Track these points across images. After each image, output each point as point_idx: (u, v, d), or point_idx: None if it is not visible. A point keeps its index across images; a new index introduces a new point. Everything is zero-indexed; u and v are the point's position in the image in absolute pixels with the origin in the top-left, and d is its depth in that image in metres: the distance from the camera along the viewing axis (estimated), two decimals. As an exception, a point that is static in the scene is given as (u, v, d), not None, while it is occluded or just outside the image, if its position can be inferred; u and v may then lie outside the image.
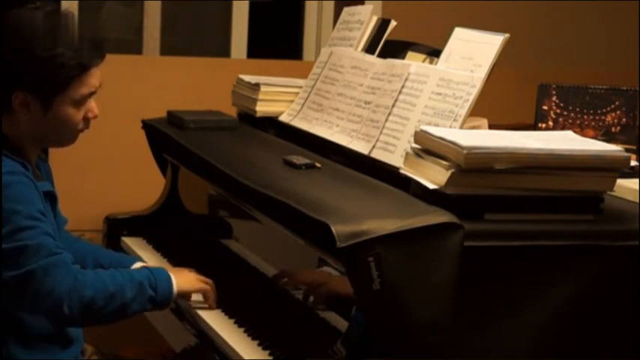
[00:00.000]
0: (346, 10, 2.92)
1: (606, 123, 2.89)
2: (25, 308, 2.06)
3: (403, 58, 2.53)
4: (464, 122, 2.20)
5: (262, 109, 2.88)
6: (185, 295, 2.29)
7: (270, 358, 2.10)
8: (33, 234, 2.05)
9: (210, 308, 2.32)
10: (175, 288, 2.21)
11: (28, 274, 2.03)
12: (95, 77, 2.18)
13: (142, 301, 2.15)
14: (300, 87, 2.85)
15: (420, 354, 1.86)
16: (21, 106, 2.13)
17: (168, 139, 2.80)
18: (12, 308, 2.11)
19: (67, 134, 2.22)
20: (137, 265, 2.46)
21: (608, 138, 2.81)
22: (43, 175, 2.27)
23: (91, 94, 2.19)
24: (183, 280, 2.26)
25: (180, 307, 2.37)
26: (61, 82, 2.12)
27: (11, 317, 2.09)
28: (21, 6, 2.17)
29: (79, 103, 2.17)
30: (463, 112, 2.20)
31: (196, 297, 2.33)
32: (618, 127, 2.88)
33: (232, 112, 3.06)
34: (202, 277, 2.35)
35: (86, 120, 2.21)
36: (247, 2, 4.05)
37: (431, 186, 1.96)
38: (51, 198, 2.24)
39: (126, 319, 2.17)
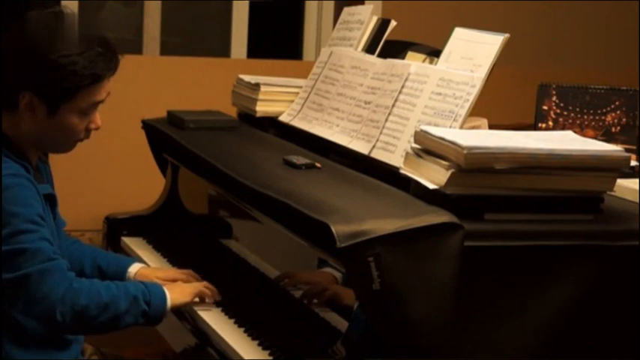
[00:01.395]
0: (346, 10, 2.92)
1: (606, 123, 2.88)
2: (18, 311, 2.06)
3: (403, 58, 2.53)
4: (464, 122, 2.20)
5: (262, 109, 2.88)
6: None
7: (270, 358, 2.10)
8: (31, 238, 2.05)
9: (211, 304, 2.33)
10: (169, 303, 2.22)
11: (24, 277, 2.03)
12: (104, 89, 2.18)
13: (135, 315, 2.15)
14: (300, 87, 2.85)
15: (420, 354, 1.86)
16: (26, 108, 2.13)
17: (168, 139, 2.80)
18: (9, 309, 2.11)
19: (66, 142, 2.21)
20: (135, 266, 2.47)
21: (608, 138, 2.81)
22: (43, 177, 2.27)
23: (98, 104, 2.19)
24: (177, 294, 2.26)
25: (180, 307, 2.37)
26: (71, 89, 2.12)
27: (9, 318, 2.09)
28: (41, 8, 2.16)
29: (85, 112, 2.17)
30: (463, 112, 2.20)
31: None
32: (618, 127, 2.87)
33: (232, 112, 3.06)
34: (196, 284, 2.36)
35: (87, 130, 2.21)
36: (247, 2, 4.05)
37: (431, 186, 1.96)
38: (51, 200, 2.24)
39: (118, 330, 2.17)
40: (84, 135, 2.21)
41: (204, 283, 2.37)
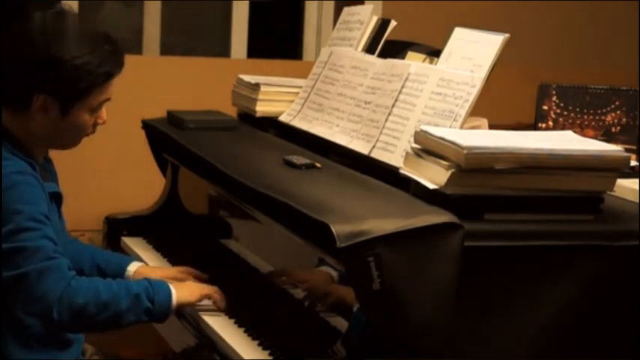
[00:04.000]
0: (346, 10, 2.92)
1: (606, 123, 2.89)
2: (19, 309, 2.06)
3: (403, 58, 2.53)
4: (464, 122, 2.20)
5: (262, 109, 2.88)
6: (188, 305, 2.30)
7: (270, 358, 2.10)
8: (33, 236, 2.05)
9: (218, 310, 2.31)
10: (175, 301, 2.21)
11: (23, 276, 2.03)
12: (113, 86, 2.20)
13: (137, 312, 2.14)
14: (300, 87, 2.85)
15: (420, 354, 1.86)
16: (40, 108, 2.13)
17: (168, 139, 2.80)
18: (12, 307, 2.11)
19: (75, 138, 2.23)
20: (134, 265, 2.47)
21: (608, 138, 2.81)
22: (49, 175, 2.28)
23: (106, 101, 2.21)
24: (184, 292, 2.25)
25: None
26: (85, 89, 2.14)
27: (11, 317, 2.09)
28: (44, 8, 2.16)
29: (95, 110, 2.19)
30: (463, 112, 2.20)
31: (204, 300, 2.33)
32: (618, 127, 2.88)
33: (232, 112, 3.06)
34: (205, 286, 2.34)
35: (94, 125, 2.23)
36: (247, 2, 4.05)
37: (431, 186, 1.96)
38: (57, 198, 2.24)
39: (122, 328, 2.17)
40: (91, 130, 2.23)
41: (215, 288, 2.35)
